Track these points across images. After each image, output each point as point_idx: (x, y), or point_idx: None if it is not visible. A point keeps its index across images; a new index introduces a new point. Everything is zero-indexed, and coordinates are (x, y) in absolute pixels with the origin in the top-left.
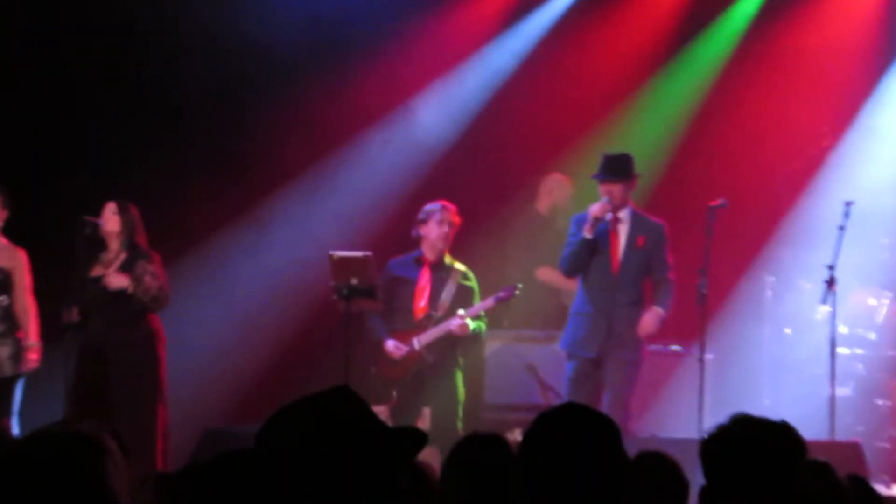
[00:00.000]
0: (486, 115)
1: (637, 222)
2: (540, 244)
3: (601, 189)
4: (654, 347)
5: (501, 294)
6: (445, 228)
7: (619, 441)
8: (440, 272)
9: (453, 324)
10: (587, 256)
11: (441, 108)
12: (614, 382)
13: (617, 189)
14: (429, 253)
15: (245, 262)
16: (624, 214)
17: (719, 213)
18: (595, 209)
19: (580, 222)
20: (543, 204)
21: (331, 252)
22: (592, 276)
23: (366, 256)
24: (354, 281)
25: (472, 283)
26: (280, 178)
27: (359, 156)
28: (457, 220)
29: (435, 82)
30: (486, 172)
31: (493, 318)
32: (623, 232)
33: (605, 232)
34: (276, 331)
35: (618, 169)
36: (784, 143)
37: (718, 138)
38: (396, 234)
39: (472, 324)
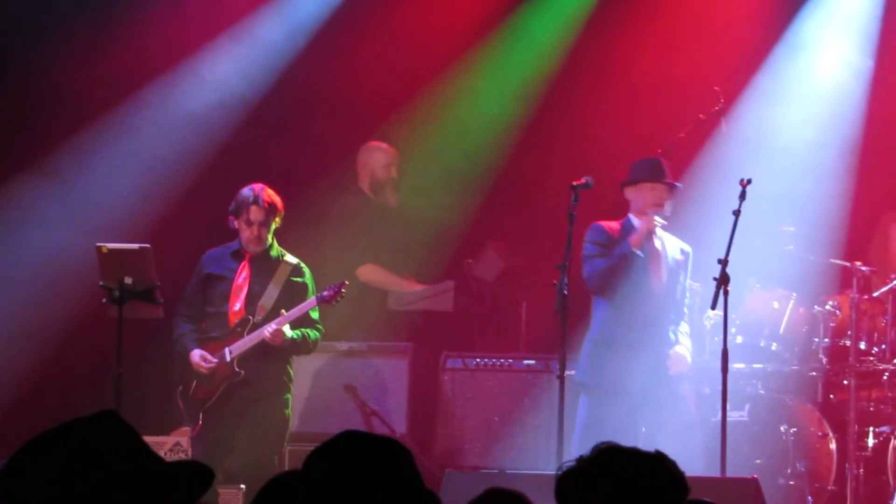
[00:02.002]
0: (291, 75)
1: (670, 236)
2: (364, 233)
3: (647, 196)
4: (502, 362)
5: (325, 293)
6: (255, 232)
7: (412, 468)
8: (263, 267)
9: (266, 330)
10: (628, 274)
11: (234, 65)
12: (675, 417)
13: (668, 193)
14: (246, 244)
15: None
16: (658, 230)
17: (583, 195)
18: (649, 222)
19: (602, 232)
20: (364, 181)
21: (99, 244)
22: (630, 298)
23: (142, 249)
24: (128, 280)
25: (307, 279)
26: (32, 153)
27: (136, 123)
28: (274, 209)
29: (224, 34)
30: (294, 145)
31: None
32: (662, 246)
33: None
34: (29, 343)
35: (665, 171)
36: (664, 108)
37: (581, 103)
38: (193, 222)
39: (288, 331)
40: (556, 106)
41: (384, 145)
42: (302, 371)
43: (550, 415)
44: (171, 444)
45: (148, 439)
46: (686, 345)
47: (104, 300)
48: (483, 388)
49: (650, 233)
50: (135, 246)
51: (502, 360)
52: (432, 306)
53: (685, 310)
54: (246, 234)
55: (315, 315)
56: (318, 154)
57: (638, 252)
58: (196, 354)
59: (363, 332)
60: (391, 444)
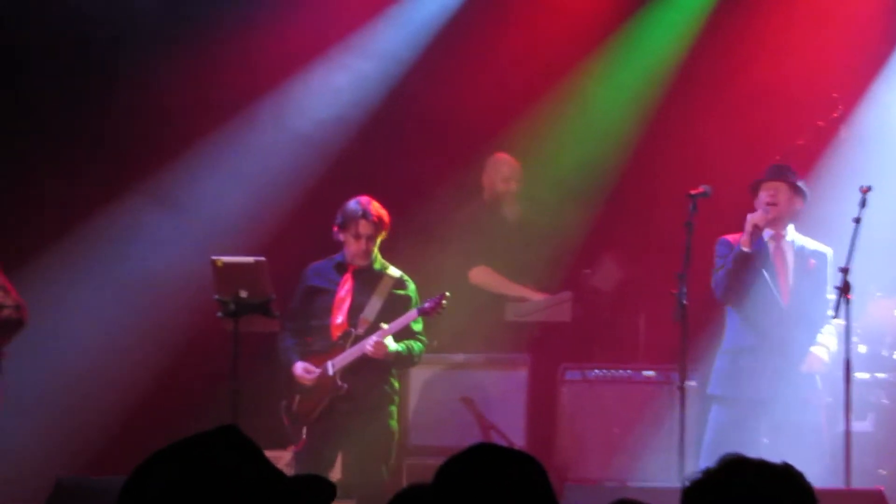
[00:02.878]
0: (405, 85)
1: (803, 242)
2: (479, 240)
3: (761, 197)
4: (621, 373)
5: (426, 305)
6: (362, 245)
7: (546, 484)
8: (366, 280)
9: (368, 343)
10: (747, 276)
11: (347, 76)
12: (802, 426)
13: (782, 191)
14: (352, 257)
15: (102, 272)
16: (788, 233)
17: (701, 204)
18: (755, 216)
19: (725, 244)
20: (488, 192)
21: (214, 257)
22: (755, 307)
23: (258, 262)
24: (244, 293)
25: (410, 292)
26: (143, 174)
27: (248, 138)
28: (382, 223)
29: (336, 46)
30: (408, 157)
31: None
32: (790, 252)
33: (766, 253)
34: (146, 358)
35: (782, 171)
36: (781, 115)
37: (697, 110)
38: (308, 235)
39: (392, 344)
40: (672, 114)
41: (507, 157)
42: (418, 383)
43: (671, 427)
44: (288, 459)
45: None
46: (825, 345)
47: (219, 314)
48: (602, 400)
49: (756, 229)
50: (250, 259)
51: (621, 372)
52: (550, 317)
53: (829, 312)
54: (353, 247)
55: (418, 327)
56: (433, 165)
57: (746, 249)
58: (299, 367)
59: (480, 343)
60: (525, 459)
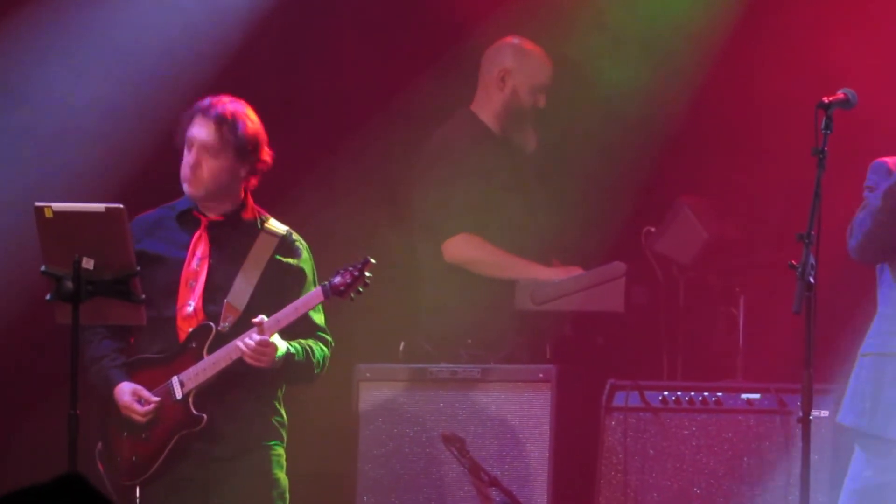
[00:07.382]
0: None
1: None
2: (473, 186)
3: None
4: (705, 396)
5: (336, 279)
6: (192, 157)
7: None
8: (231, 239)
9: (242, 343)
10: None
11: None
12: None
13: None
14: (205, 203)
15: None
16: None
17: (839, 119)
18: None
19: (881, 168)
20: (488, 106)
21: (40, 204)
22: None
23: (111, 211)
24: (89, 263)
25: (304, 262)
26: None
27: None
28: (236, 129)
29: None
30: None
31: (371, 335)
32: None
33: None
34: None
35: None
36: None
37: None
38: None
39: (281, 343)
40: None
41: (538, 50)
42: (371, 411)
43: (788, 480)
44: None
45: None
46: None
47: (48, 297)
48: (674, 439)
49: None
50: (99, 207)
51: (706, 394)
52: (589, 305)
53: None
54: (203, 182)
55: (319, 319)
56: (376, 55)
57: None
58: (125, 391)
59: (475, 347)
60: None
